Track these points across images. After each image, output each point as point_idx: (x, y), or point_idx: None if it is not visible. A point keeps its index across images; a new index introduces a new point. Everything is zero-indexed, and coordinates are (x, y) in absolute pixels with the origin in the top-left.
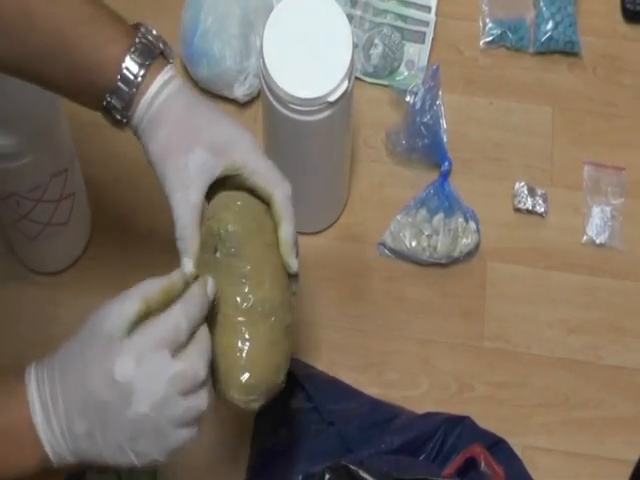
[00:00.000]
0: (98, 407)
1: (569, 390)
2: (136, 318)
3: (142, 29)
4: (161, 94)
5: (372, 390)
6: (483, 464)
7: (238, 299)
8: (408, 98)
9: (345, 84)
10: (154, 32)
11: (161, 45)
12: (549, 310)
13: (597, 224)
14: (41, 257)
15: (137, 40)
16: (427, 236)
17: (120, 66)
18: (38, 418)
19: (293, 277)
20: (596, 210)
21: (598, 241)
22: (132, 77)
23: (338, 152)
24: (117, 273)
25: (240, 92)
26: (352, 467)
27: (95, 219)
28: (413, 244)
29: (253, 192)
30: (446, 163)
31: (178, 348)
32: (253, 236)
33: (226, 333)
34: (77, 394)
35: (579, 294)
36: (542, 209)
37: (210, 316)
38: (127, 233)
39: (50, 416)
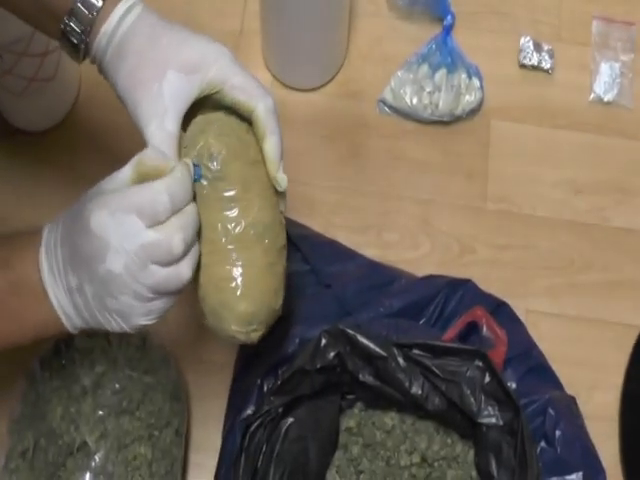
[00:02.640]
0: (81, 260)
1: (574, 253)
2: (129, 183)
3: None
4: (124, 21)
5: (370, 252)
6: (485, 328)
7: (228, 225)
8: None
9: None
10: None
11: None
12: (555, 170)
13: (605, 81)
14: (27, 114)
15: None
16: (429, 93)
17: None
18: (45, 272)
19: (281, 194)
20: (604, 67)
21: (606, 99)
22: (93, 0)
23: (336, 6)
24: (106, 131)
25: None
26: (350, 331)
27: (84, 74)
28: (414, 101)
29: (232, 110)
30: (449, 17)
31: (155, 222)
32: (237, 155)
33: (218, 263)
34: (68, 247)
35: (586, 154)
36: (548, 65)
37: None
38: None
39: (53, 268)
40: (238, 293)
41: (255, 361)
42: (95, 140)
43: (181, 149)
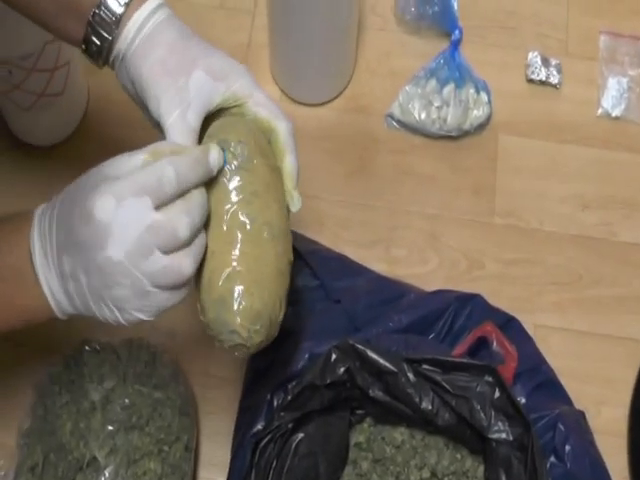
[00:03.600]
0: (78, 246)
1: (582, 268)
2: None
3: None
4: (156, 14)
5: (379, 267)
6: (495, 343)
7: (244, 218)
8: None
9: None
10: None
11: None
12: (562, 185)
13: (613, 96)
14: (35, 129)
15: None
16: (437, 107)
17: None
18: (37, 256)
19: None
20: (612, 81)
21: (614, 114)
22: None
23: (344, 18)
24: (114, 146)
25: None
26: (359, 346)
27: (92, 90)
28: (422, 116)
29: None
30: (457, 32)
31: (162, 202)
32: (262, 154)
33: (228, 253)
34: (64, 232)
35: (593, 168)
36: (556, 80)
37: (211, 234)
38: (126, 105)
39: (47, 252)
40: (247, 285)
41: (264, 376)
42: (103, 155)
43: (205, 140)
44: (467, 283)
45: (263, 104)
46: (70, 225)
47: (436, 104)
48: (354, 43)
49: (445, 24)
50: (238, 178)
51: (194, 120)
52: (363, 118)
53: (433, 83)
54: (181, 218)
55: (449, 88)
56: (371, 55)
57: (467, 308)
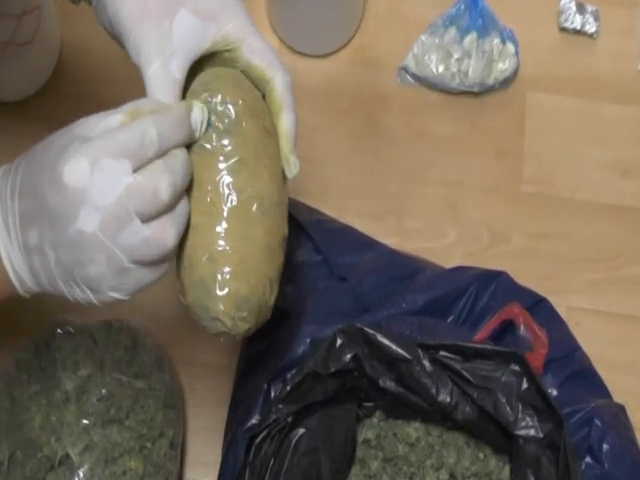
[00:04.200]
0: (46, 215)
1: (620, 242)
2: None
3: None
4: None
5: (390, 240)
6: (522, 327)
7: (230, 190)
8: None
9: None
10: None
11: None
12: (599, 149)
13: None
14: (2, 83)
15: None
16: (457, 60)
17: None
18: None
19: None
20: None
21: None
22: None
23: None
24: (90, 100)
25: None
26: (368, 330)
27: (65, 37)
28: (440, 69)
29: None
30: None
31: (142, 164)
32: (253, 114)
33: (213, 228)
34: (28, 199)
35: (634, 130)
36: (592, 29)
37: (193, 205)
38: (103, 56)
39: (8, 222)
40: (233, 268)
41: (260, 364)
42: (78, 111)
43: (189, 95)
44: (490, 259)
45: (258, 51)
46: (36, 192)
47: (456, 56)
48: None
49: None
50: (224, 143)
51: (178, 71)
52: (372, 72)
53: (452, 32)
54: (162, 177)
55: (471, 37)
56: (382, 1)
57: (490, 287)
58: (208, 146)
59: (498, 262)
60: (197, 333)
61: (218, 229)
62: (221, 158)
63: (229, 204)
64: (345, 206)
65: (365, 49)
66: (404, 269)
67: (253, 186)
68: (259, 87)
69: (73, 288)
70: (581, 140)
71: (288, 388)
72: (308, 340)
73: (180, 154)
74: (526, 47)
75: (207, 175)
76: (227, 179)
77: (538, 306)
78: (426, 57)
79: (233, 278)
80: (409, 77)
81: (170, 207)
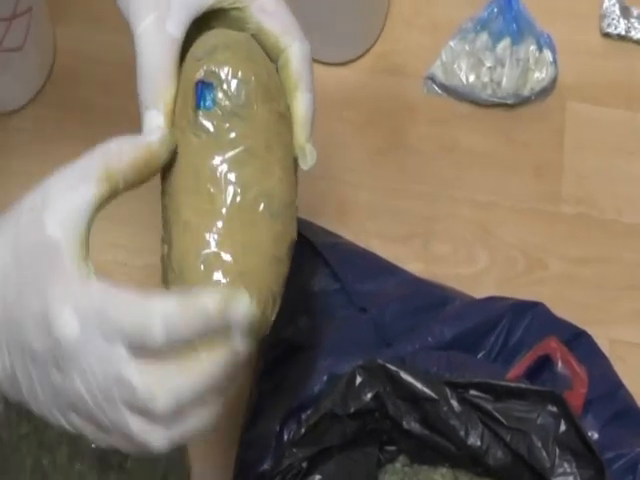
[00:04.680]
0: (26, 348)
1: None
2: (96, 207)
3: None
4: None
5: (415, 266)
6: (560, 363)
7: (234, 185)
8: None
9: None
10: None
11: None
12: None
13: None
14: None
15: None
16: (489, 68)
17: None
18: None
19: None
20: None
21: None
22: None
23: None
24: (85, 111)
25: None
26: (391, 367)
27: (59, 42)
28: (470, 78)
29: None
30: None
31: (146, 354)
32: (266, 96)
33: (209, 229)
34: (7, 324)
35: None
36: (638, 34)
37: (187, 197)
38: (99, 61)
39: None
40: (231, 279)
41: (272, 403)
42: (73, 123)
43: (189, 62)
44: (526, 287)
45: (272, 12)
46: (16, 310)
47: (488, 64)
48: None
49: None
50: (229, 128)
51: (175, 28)
52: (396, 81)
53: (484, 37)
54: (168, 388)
55: (504, 44)
56: (407, 1)
57: (525, 319)
58: (210, 127)
59: (534, 290)
60: None
61: (216, 230)
62: (225, 145)
63: (231, 202)
64: (365, 228)
65: (388, 56)
66: (430, 298)
67: (262, 183)
68: (270, 57)
69: (61, 423)
70: (626, 156)
71: (303, 430)
72: (325, 377)
73: (209, 366)
74: (565, 54)
75: (206, 163)
76: (231, 172)
77: (577, 340)
78: (455, 65)
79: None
80: (436, 87)
81: (170, 420)
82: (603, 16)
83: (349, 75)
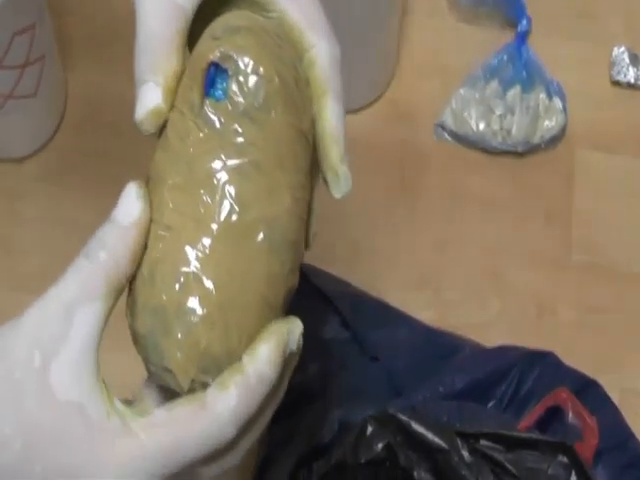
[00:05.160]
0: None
1: None
2: (102, 330)
3: None
4: None
5: (426, 313)
6: (571, 414)
7: (233, 199)
8: None
9: None
10: None
11: None
12: None
13: None
14: (3, 138)
15: None
16: (499, 116)
17: None
18: None
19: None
20: None
21: None
22: None
23: (385, 4)
24: (97, 159)
25: None
26: (402, 417)
27: (71, 89)
28: (481, 126)
29: None
30: (524, 21)
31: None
32: (289, 106)
33: (193, 242)
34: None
35: None
36: None
37: (173, 195)
38: (113, 107)
39: None
40: (209, 311)
41: (282, 452)
42: (84, 171)
43: (205, 40)
44: (536, 336)
45: (299, 2)
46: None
47: (498, 112)
48: (396, 33)
49: (510, 11)
50: (238, 130)
51: None
52: (407, 128)
53: (494, 85)
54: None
55: (514, 91)
56: (417, 48)
57: (536, 369)
58: (216, 123)
59: (545, 338)
60: None
61: (201, 249)
62: (229, 149)
63: (225, 220)
64: (376, 274)
65: (399, 103)
66: (441, 348)
67: (265, 207)
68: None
69: None
70: (636, 203)
71: None
72: (336, 426)
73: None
74: (575, 102)
75: (204, 164)
76: (230, 184)
77: (588, 389)
78: (465, 113)
79: (206, 325)
80: (446, 134)
81: None
82: (612, 64)
83: (360, 122)
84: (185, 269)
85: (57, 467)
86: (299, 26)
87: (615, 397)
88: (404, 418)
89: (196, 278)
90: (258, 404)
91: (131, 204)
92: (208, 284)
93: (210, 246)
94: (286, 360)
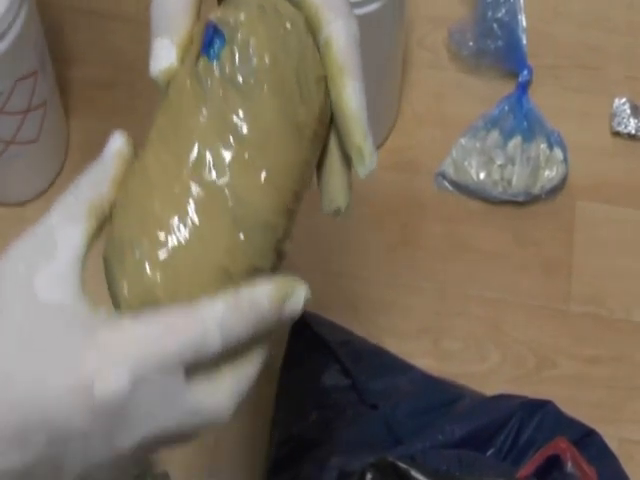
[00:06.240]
0: (55, 441)
1: None
2: (86, 249)
3: None
4: None
5: (426, 362)
6: (570, 464)
7: (207, 163)
8: None
9: None
10: None
11: None
12: None
13: None
14: (3, 183)
15: None
16: (499, 166)
17: None
18: None
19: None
20: None
21: None
22: None
23: (385, 52)
24: None
25: None
26: (401, 465)
27: (73, 135)
28: (481, 176)
29: None
30: (525, 72)
31: (199, 368)
32: (279, 89)
33: (164, 191)
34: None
35: None
36: None
37: (156, 137)
38: None
39: None
40: (165, 258)
41: None
42: None
43: (222, 5)
44: (536, 385)
45: None
46: (27, 401)
47: (499, 162)
48: (398, 83)
49: (511, 62)
50: (223, 96)
51: None
52: (408, 177)
53: (495, 135)
54: (229, 400)
55: (515, 142)
56: (419, 99)
57: (535, 418)
58: (207, 82)
59: (544, 388)
60: (212, 461)
61: (168, 195)
62: (212, 111)
63: (196, 181)
64: (376, 323)
65: (400, 152)
66: (441, 396)
67: (236, 178)
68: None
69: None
70: (636, 256)
71: None
72: (335, 474)
73: (257, 358)
74: (575, 153)
75: (189, 118)
76: (207, 147)
77: (587, 439)
78: (466, 162)
79: (158, 268)
80: (447, 184)
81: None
82: (613, 115)
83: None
84: (148, 216)
85: (29, 368)
86: (316, 3)
87: (614, 446)
88: (403, 466)
89: (156, 222)
90: (248, 331)
91: (114, 140)
92: (166, 229)
93: (177, 194)
94: (281, 316)
